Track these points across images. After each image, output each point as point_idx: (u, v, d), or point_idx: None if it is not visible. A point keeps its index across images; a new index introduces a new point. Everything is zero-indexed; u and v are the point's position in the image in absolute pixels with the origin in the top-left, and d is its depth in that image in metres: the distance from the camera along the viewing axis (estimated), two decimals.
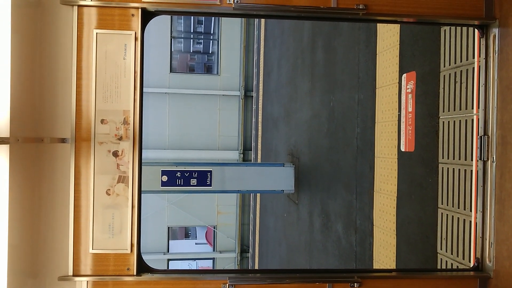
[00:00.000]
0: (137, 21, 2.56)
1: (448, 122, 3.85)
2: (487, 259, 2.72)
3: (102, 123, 2.55)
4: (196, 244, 17.66)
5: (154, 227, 15.14)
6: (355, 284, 2.65)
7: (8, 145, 2.07)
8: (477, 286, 2.72)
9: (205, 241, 17.23)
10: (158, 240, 15.48)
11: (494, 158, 2.68)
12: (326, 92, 7.31)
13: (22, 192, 2.25)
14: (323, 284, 2.65)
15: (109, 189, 2.55)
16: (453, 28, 3.80)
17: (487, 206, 2.72)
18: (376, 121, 5.25)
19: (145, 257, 2.70)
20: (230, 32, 15.71)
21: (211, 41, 17.28)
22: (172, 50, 15.74)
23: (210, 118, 15.31)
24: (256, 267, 13.34)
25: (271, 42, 12.30)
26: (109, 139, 2.55)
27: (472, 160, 3.51)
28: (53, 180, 2.50)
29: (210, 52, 17.25)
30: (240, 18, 13.84)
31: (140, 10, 2.55)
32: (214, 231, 16.07)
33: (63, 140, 2.51)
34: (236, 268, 15.50)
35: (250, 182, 8.77)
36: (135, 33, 2.55)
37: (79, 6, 2.52)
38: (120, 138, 2.55)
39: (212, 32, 17.15)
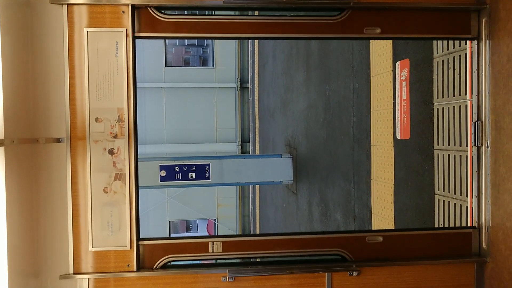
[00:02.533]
0: (127, 18, 2.55)
1: (443, 108, 3.86)
2: (483, 244, 2.75)
3: (96, 122, 2.55)
4: None
5: (155, 221, 15.19)
6: (354, 272, 2.68)
7: (3, 147, 2.08)
8: (474, 270, 2.76)
9: (207, 234, 17.32)
10: (160, 235, 15.53)
11: (488, 143, 2.69)
12: (321, 82, 7.30)
13: (20, 193, 2.26)
14: (322, 273, 2.69)
15: (106, 187, 2.56)
16: None
17: (482, 191, 2.74)
18: (371, 110, 5.26)
19: None
20: None
21: None
22: (167, 44, 15.64)
23: (207, 111, 15.28)
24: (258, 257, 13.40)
25: None
26: (104, 137, 2.56)
27: (467, 145, 3.53)
28: (50, 180, 2.51)
29: (205, 44, 17.15)
30: None
31: (130, 6, 2.54)
32: (215, 223, 16.13)
33: (58, 140, 2.51)
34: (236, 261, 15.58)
35: (249, 174, 8.79)
36: (126, 30, 2.55)
37: (69, 4, 2.50)
38: (115, 136, 2.56)
39: None
